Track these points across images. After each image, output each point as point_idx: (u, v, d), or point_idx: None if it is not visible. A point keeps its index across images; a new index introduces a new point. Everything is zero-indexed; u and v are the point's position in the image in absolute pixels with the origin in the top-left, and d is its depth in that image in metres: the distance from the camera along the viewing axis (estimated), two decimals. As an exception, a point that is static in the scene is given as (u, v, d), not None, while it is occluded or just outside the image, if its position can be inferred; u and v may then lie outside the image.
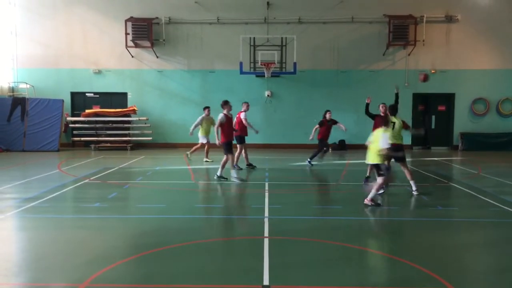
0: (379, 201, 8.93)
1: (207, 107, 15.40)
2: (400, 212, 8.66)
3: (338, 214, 8.58)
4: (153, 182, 11.32)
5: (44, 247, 6.33)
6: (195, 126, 15.02)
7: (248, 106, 13.78)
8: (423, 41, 19.71)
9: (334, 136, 19.66)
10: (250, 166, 13.86)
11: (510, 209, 8.54)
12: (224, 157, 11.50)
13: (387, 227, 7.71)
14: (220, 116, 11.48)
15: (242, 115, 13.48)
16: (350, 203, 9.51)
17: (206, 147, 15.32)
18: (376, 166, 8.91)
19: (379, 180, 8.78)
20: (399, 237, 7.11)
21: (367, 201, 8.66)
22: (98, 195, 9.78)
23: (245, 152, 13.82)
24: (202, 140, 15.28)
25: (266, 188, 10.62)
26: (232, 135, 11.91)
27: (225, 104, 11.73)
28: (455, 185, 11.24)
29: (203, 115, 15.21)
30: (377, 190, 8.87)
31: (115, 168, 13.70)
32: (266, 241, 6.46)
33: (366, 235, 7.02)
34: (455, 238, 6.93)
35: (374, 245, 6.34)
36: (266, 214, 8.08)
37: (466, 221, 7.96)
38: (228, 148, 11.47)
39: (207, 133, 15.24)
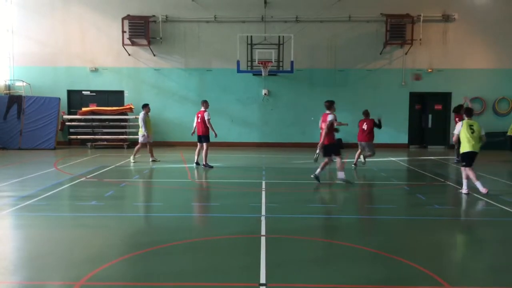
0: None
1: (146, 105, 14.90)
2: (396, 210, 8.66)
3: (334, 212, 8.60)
4: (150, 180, 11.30)
5: (40, 245, 6.31)
6: (145, 126, 14.54)
7: (207, 104, 13.76)
8: (420, 40, 19.76)
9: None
10: (198, 164, 13.86)
11: (506, 208, 8.56)
12: (337, 159, 11.10)
13: (384, 226, 7.71)
14: (330, 117, 10.94)
15: (206, 115, 13.47)
16: (347, 202, 9.53)
17: (138, 146, 14.78)
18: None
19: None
20: (396, 236, 7.11)
21: None
22: (94, 193, 9.74)
23: (205, 151, 13.72)
24: (142, 139, 14.70)
25: (263, 186, 10.61)
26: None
27: (332, 104, 11.18)
28: (452, 184, 11.25)
29: (143, 113, 14.67)
30: None
31: (112, 167, 13.67)
32: (263, 239, 6.46)
33: (363, 234, 7.02)
34: (451, 237, 6.94)
35: (370, 243, 6.34)
36: (263, 212, 8.07)
37: (462, 220, 7.98)
38: (335, 150, 11.10)
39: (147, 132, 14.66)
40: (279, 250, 6.05)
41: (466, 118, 9.78)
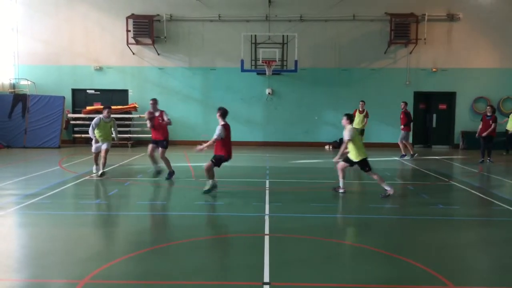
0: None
1: (107, 107, 12.07)
2: (400, 210, 8.64)
3: (338, 212, 8.60)
4: (154, 179, 11.29)
5: (45, 243, 6.33)
6: (93, 131, 11.78)
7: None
8: (425, 39, 19.69)
9: (335, 134, 19.71)
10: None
11: (511, 208, 8.53)
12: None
13: (388, 225, 7.69)
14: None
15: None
16: (351, 201, 9.52)
17: (103, 154, 11.65)
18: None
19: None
20: (400, 235, 7.10)
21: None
22: (98, 192, 9.76)
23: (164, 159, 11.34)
24: (96, 147, 11.99)
25: (267, 185, 10.61)
26: None
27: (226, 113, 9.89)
28: (456, 184, 11.22)
29: (101, 116, 11.89)
30: None
31: (116, 165, 13.69)
32: (266, 238, 6.46)
33: (366, 233, 7.00)
34: (456, 237, 6.92)
35: (374, 243, 6.32)
36: (267, 211, 8.08)
37: (467, 220, 7.95)
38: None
39: (105, 138, 11.93)
40: (283, 249, 6.05)
41: (350, 125, 9.58)
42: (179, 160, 15.20)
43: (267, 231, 6.86)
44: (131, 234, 6.85)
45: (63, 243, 6.32)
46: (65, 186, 10.27)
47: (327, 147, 19.74)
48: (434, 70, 20.11)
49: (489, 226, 7.63)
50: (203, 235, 6.68)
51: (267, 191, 9.93)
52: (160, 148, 11.39)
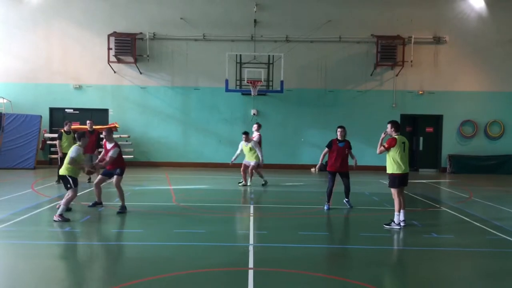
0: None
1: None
2: (392, 240, 8.16)
3: (327, 241, 8.10)
4: (131, 203, 10.61)
5: (5, 279, 5.67)
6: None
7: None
8: (411, 62, 19.54)
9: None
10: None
11: (508, 238, 8.10)
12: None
13: (380, 257, 7.18)
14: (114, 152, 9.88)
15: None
16: (340, 229, 9.05)
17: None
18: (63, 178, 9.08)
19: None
20: (393, 268, 6.62)
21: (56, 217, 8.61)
22: (70, 218, 9.05)
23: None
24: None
25: (251, 211, 10.07)
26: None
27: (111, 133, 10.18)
28: (448, 210, 10.79)
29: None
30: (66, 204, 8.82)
31: (91, 189, 12.94)
32: (250, 273, 5.91)
33: (358, 267, 6.48)
34: (453, 270, 6.45)
35: (367, 278, 5.81)
36: (251, 241, 7.53)
37: (464, 251, 7.48)
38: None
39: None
40: (268, 286, 5.50)
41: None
42: (160, 183, 14.59)
43: (251, 264, 6.30)
44: (102, 268, 6.25)
45: (26, 278, 5.67)
46: (34, 212, 9.58)
47: (313, 169, 19.25)
48: (420, 92, 19.93)
49: (487, 257, 7.16)
50: (181, 269, 6.07)
51: (251, 218, 9.38)
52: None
